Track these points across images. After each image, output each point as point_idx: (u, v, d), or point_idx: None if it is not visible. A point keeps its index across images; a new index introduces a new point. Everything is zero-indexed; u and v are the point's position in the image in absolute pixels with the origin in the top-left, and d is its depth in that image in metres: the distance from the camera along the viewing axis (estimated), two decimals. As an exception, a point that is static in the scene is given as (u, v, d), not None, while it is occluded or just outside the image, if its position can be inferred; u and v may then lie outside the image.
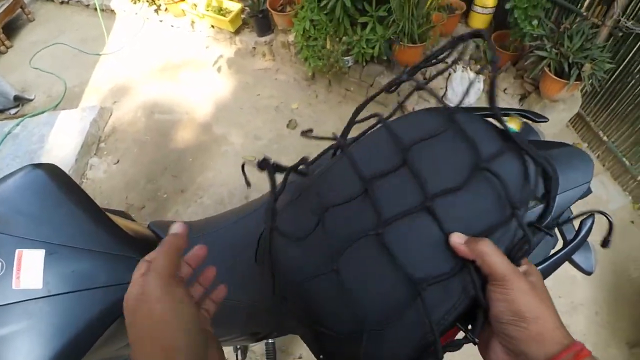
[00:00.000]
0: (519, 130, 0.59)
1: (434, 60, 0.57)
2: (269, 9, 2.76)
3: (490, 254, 0.40)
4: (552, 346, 0.36)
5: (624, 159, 2.29)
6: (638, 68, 2.09)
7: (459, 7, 2.51)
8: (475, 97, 2.52)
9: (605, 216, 0.57)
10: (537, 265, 0.53)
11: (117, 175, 2.52)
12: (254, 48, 3.12)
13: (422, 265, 0.43)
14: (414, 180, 0.47)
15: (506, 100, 2.49)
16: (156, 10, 3.47)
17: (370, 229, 0.45)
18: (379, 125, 0.58)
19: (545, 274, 0.54)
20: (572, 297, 1.96)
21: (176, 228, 0.45)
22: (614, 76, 2.23)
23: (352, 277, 0.46)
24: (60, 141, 2.57)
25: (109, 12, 3.74)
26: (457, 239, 0.42)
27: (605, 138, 2.39)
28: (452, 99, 2.54)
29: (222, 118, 2.79)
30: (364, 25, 2.29)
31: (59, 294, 0.60)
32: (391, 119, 0.60)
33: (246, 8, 3.02)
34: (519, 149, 0.46)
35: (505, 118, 0.51)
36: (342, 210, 0.49)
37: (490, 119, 0.55)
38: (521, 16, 2.12)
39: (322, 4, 2.27)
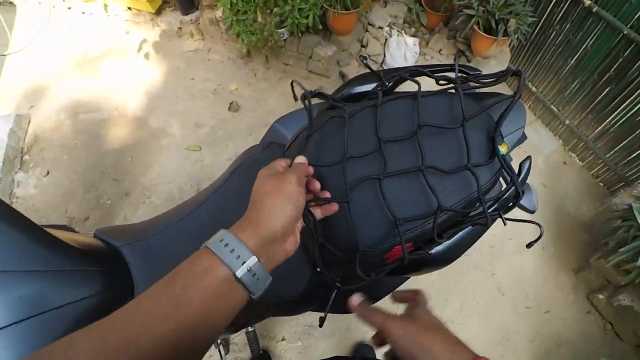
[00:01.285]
0: (505, 153, 0.72)
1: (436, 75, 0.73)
2: (190, -17, 2.54)
3: (367, 315, 0.52)
4: None
5: (552, 107, 2.45)
6: (557, 19, 2.21)
7: (388, -31, 2.47)
8: (413, 60, 2.54)
9: (537, 225, 0.73)
10: (491, 206, 0.67)
11: (51, 188, 2.24)
12: (180, 28, 2.89)
13: (404, 209, 0.63)
14: (417, 151, 0.64)
15: (442, 60, 2.54)
16: (64, -2, 3.07)
17: (375, 174, 0.63)
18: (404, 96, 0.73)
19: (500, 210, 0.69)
20: (520, 239, 2.10)
21: (300, 159, 0.58)
22: (537, 29, 2.34)
23: (356, 210, 0.63)
24: None
25: (7, 4, 3.22)
26: (355, 299, 0.55)
27: (534, 89, 2.54)
28: (391, 63, 2.54)
29: (157, 109, 2.57)
30: (295, -5, 2.18)
31: (8, 325, 0.52)
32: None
33: (164, -16, 2.76)
34: (501, 165, 0.64)
35: (499, 141, 0.67)
36: (359, 158, 0.66)
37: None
38: (449, -24, 2.13)
39: (248, -26, 2.12)
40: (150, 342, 0.34)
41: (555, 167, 2.45)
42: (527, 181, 0.86)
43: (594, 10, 2.00)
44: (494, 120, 0.69)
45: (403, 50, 2.42)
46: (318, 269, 0.67)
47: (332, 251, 0.62)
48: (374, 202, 0.63)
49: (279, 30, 2.31)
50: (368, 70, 0.87)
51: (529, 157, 0.78)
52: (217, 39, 2.81)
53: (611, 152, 2.23)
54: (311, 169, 0.59)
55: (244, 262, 0.41)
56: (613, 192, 2.29)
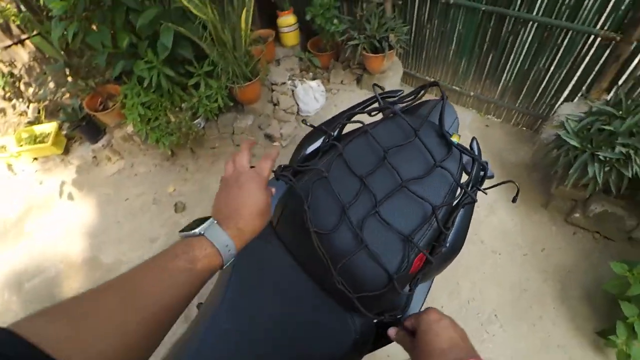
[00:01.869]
0: (458, 141, 0.83)
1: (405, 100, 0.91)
2: (90, 113, 2.52)
3: (402, 341, 0.63)
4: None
5: (454, 87, 2.73)
6: (426, 19, 2.51)
7: (269, 35, 2.66)
8: (323, 98, 2.71)
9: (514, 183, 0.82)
10: (470, 185, 0.79)
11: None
12: (95, 157, 2.82)
13: (406, 224, 0.69)
14: (392, 172, 0.73)
15: (348, 88, 2.74)
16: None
17: (371, 209, 0.69)
18: (359, 133, 0.82)
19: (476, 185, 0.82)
20: (486, 202, 2.24)
21: (272, 153, 0.68)
22: (413, 33, 2.63)
23: (374, 245, 0.68)
24: None
25: None
26: (392, 330, 0.66)
27: (432, 79, 2.81)
28: (306, 109, 2.68)
29: (104, 243, 2.45)
30: (197, 85, 2.26)
31: None
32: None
33: (63, 123, 2.70)
34: (459, 151, 0.78)
35: (451, 134, 0.81)
36: (353, 202, 0.71)
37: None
38: (322, 21, 2.36)
39: (145, 84, 2.16)
40: (173, 297, 0.47)
41: (481, 132, 2.69)
42: (477, 148, 0.98)
43: (451, 2, 2.31)
44: (436, 122, 0.84)
45: (311, 94, 2.57)
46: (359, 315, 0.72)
47: (370, 295, 0.67)
48: (381, 232, 0.68)
49: (195, 122, 2.36)
50: (311, 129, 0.95)
51: (474, 138, 0.91)
52: (136, 153, 2.78)
53: (519, 101, 2.52)
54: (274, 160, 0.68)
55: (233, 255, 0.55)
56: (537, 130, 2.55)
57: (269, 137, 2.66)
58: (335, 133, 0.94)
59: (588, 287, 1.87)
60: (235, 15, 2.09)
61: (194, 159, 2.73)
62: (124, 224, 2.53)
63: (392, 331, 0.66)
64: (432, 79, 2.81)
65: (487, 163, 0.81)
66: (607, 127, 1.69)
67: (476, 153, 0.89)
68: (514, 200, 0.78)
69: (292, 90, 2.62)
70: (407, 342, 0.62)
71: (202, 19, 2.08)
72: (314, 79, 2.68)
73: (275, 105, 2.64)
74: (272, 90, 2.64)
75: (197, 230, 0.53)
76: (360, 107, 0.96)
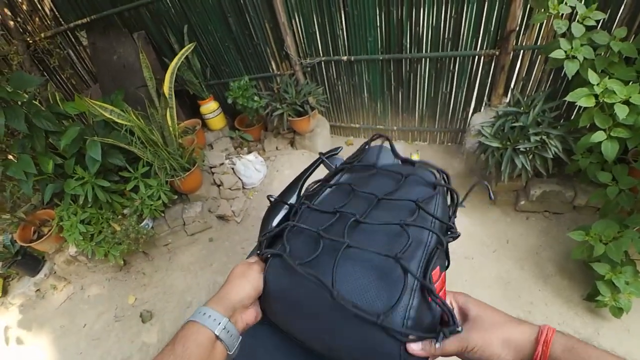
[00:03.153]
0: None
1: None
2: (25, 246, 2.36)
3: (431, 351, 0.52)
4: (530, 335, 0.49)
5: (378, 126, 2.97)
6: (337, 78, 2.76)
7: (196, 124, 2.76)
8: (264, 168, 2.80)
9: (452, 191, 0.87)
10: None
11: None
12: (38, 290, 2.60)
13: (390, 248, 0.56)
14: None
15: (284, 152, 2.86)
16: None
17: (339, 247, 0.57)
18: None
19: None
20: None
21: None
22: (328, 91, 2.87)
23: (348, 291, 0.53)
24: None
25: None
26: (412, 346, 0.52)
27: (357, 125, 3.05)
28: (250, 182, 2.75)
29: None
30: (136, 189, 2.24)
31: None
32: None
33: (-5, 264, 2.49)
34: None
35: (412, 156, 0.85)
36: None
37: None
38: (244, 101, 2.51)
39: (81, 201, 2.11)
40: None
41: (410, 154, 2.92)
42: None
43: (352, 59, 2.59)
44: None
45: (251, 167, 2.66)
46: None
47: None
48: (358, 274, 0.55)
49: (142, 224, 2.31)
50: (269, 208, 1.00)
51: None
52: (84, 273, 2.62)
53: (436, 123, 2.81)
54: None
55: (219, 322, 0.54)
56: (461, 142, 2.83)
57: (222, 218, 2.65)
58: (295, 196, 1.01)
59: (559, 261, 2.02)
60: (159, 115, 2.16)
61: (149, 261, 2.62)
62: (88, 353, 2.31)
63: (412, 346, 0.51)
64: (357, 125, 3.05)
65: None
66: (516, 124, 1.99)
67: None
68: (490, 198, 0.80)
69: (232, 168, 2.69)
70: (451, 343, 0.51)
71: (128, 126, 2.12)
72: (249, 152, 2.79)
73: (219, 186, 2.67)
74: (213, 173, 2.68)
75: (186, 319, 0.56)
76: (310, 171, 1.06)
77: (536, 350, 0.47)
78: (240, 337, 0.58)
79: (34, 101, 2.20)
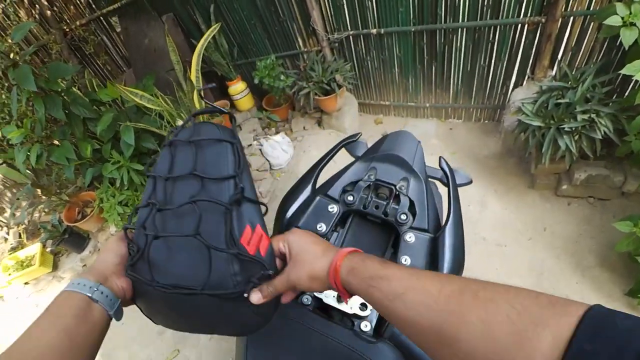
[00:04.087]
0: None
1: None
2: (70, 225, 2.58)
3: (266, 292, 0.57)
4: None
5: (409, 103, 2.88)
6: (365, 53, 2.69)
7: (224, 105, 2.82)
8: (292, 149, 2.82)
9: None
10: (450, 210, 0.90)
11: None
12: (84, 265, 2.84)
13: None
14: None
15: (312, 132, 2.86)
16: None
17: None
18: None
19: (457, 213, 0.88)
20: (470, 200, 2.32)
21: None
22: (357, 68, 2.81)
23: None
24: None
25: None
26: (253, 296, 0.57)
27: (387, 102, 2.97)
28: (277, 163, 2.79)
29: (113, 349, 2.41)
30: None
31: None
32: None
33: (46, 241, 2.75)
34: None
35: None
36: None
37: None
38: (270, 80, 2.51)
39: (117, 184, 2.25)
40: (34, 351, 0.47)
41: (447, 136, 2.81)
42: (447, 166, 1.05)
43: (382, 32, 2.50)
44: (400, 154, 1.01)
45: (278, 147, 2.69)
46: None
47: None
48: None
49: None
50: None
51: (440, 157, 1.03)
52: (124, 249, 2.82)
53: (472, 99, 2.67)
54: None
55: (90, 287, 0.55)
56: (499, 120, 2.68)
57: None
58: (310, 187, 1.04)
59: (601, 252, 1.89)
60: (187, 99, 2.22)
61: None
62: (128, 323, 2.51)
63: (255, 296, 0.56)
64: (387, 102, 2.97)
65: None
66: (562, 101, 1.80)
67: (446, 169, 0.99)
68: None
69: (260, 149, 2.74)
70: (279, 281, 0.58)
71: (157, 110, 2.21)
72: (277, 133, 2.82)
73: (247, 167, 2.74)
74: (241, 154, 2.74)
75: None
76: (327, 160, 1.09)
77: (329, 277, 0.54)
78: (120, 300, 0.58)
79: (73, 88, 2.34)
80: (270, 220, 1.01)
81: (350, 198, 0.97)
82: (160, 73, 2.77)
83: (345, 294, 0.54)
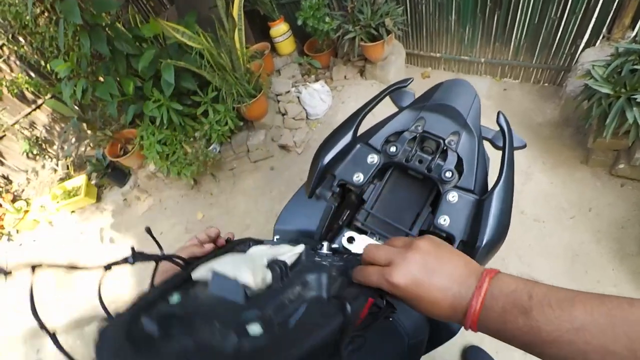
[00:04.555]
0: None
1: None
2: (113, 159, 2.70)
3: (363, 273, 0.48)
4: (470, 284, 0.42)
5: (463, 57, 2.69)
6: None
7: (265, 48, 2.75)
8: (330, 98, 2.75)
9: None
10: (502, 173, 0.83)
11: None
12: (125, 199, 3.01)
13: None
14: None
15: (353, 82, 2.76)
16: (9, 239, 3.16)
17: None
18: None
19: (509, 177, 0.83)
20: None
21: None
22: (409, 13, 2.62)
23: None
24: None
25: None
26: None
27: (438, 54, 2.78)
28: (314, 112, 2.74)
29: (149, 276, 2.61)
30: (205, 113, 2.37)
31: None
32: None
33: (92, 173, 2.91)
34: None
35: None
36: None
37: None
38: (315, 22, 2.40)
39: (157, 122, 2.30)
40: None
41: (501, 97, 2.63)
42: (506, 123, 0.96)
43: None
44: (453, 105, 0.94)
45: (317, 96, 2.63)
46: None
47: None
48: None
49: (210, 148, 2.48)
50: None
51: (500, 112, 0.93)
52: (161, 188, 2.95)
53: (535, 57, 2.44)
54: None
55: None
56: (560, 84, 2.46)
57: (284, 147, 2.73)
58: (351, 133, 0.98)
59: None
60: (228, 38, 2.18)
61: (216, 183, 2.85)
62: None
63: (357, 271, 0.50)
64: (438, 54, 2.79)
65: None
66: (639, 67, 1.58)
67: (504, 127, 0.90)
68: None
69: (298, 97, 2.69)
70: (367, 271, 0.48)
71: (198, 49, 2.19)
72: (316, 80, 2.74)
73: (283, 115, 2.71)
74: (278, 102, 2.71)
75: None
76: (371, 106, 1.02)
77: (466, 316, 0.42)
78: None
79: (116, 24, 2.35)
80: (302, 171, 0.97)
81: (392, 149, 0.90)
82: (203, 10, 2.71)
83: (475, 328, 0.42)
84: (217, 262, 0.47)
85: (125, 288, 2.68)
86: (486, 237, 0.79)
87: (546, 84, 2.56)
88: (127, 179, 2.94)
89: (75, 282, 2.87)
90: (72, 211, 3.08)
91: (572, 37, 2.22)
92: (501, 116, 0.92)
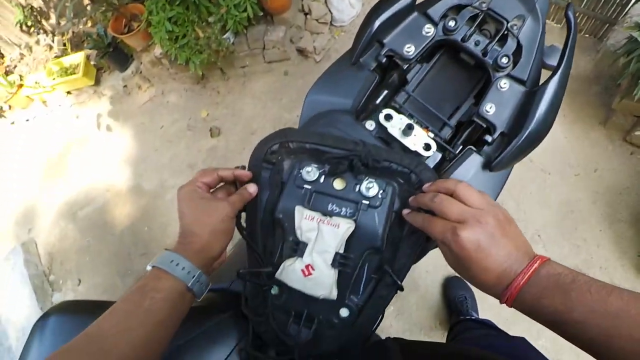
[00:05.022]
0: None
1: None
2: (117, 36, 2.51)
3: (420, 221, 0.57)
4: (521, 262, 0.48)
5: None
6: None
7: None
8: (360, 5, 2.55)
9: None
10: (559, 66, 0.77)
11: (90, 292, 2.26)
12: (125, 86, 2.87)
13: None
14: None
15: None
16: (0, 115, 3.03)
17: None
18: None
19: (565, 73, 0.78)
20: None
21: (252, 188, 0.66)
22: None
23: None
24: (10, 302, 2.24)
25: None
26: (405, 211, 0.62)
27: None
28: (340, 18, 2.55)
29: (145, 171, 2.56)
30: (223, -6, 2.17)
31: None
32: None
33: (90, 51, 2.73)
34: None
35: None
36: None
37: None
38: None
39: (169, -3, 2.11)
40: (128, 345, 0.47)
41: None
42: (572, 15, 0.88)
43: None
44: None
45: (346, 0, 2.42)
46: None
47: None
48: None
49: (224, 36, 2.30)
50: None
51: (569, 2, 0.87)
52: (165, 78, 2.79)
53: (584, 2, 2.25)
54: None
55: (193, 275, 0.55)
56: (602, 38, 2.31)
57: (302, 52, 2.57)
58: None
59: (638, 211, 1.82)
60: None
61: (225, 81, 2.71)
62: (162, 151, 2.61)
63: (406, 211, 0.60)
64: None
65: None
66: None
67: (572, 18, 0.82)
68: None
69: (325, -2, 2.48)
70: (434, 223, 0.53)
71: None
72: (348, -18, 2.51)
73: (306, 14, 2.52)
74: (302, -1, 2.50)
75: (151, 264, 0.55)
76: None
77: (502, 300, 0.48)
78: (210, 284, 0.59)
79: None
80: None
81: (451, 23, 0.84)
82: None
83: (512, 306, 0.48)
84: (292, 271, 0.62)
85: (118, 172, 2.63)
86: (530, 128, 0.77)
87: (587, 35, 2.39)
88: (129, 63, 2.77)
89: (64, 171, 2.81)
90: (68, 92, 2.93)
91: (628, -16, 2.03)
92: (570, 7, 0.83)
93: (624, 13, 2.10)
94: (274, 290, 0.67)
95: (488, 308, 1.69)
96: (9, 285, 2.27)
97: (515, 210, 1.93)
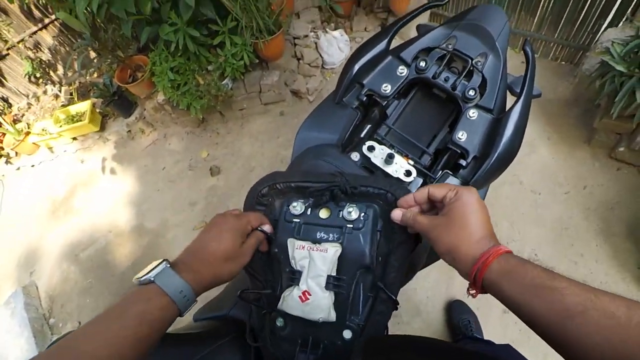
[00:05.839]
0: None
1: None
2: (122, 85, 2.70)
3: (410, 221, 0.63)
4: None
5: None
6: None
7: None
8: (348, 47, 2.76)
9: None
10: (521, 95, 0.91)
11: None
12: (129, 131, 3.03)
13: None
14: None
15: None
16: (7, 161, 3.17)
17: None
18: None
19: (527, 101, 0.91)
20: (524, 141, 2.26)
21: (267, 228, 0.73)
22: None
23: None
24: (9, 346, 2.25)
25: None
26: (396, 212, 0.66)
27: (461, 17, 2.79)
28: (331, 61, 2.75)
29: (148, 211, 2.67)
30: (222, 45, 2.37)
31: None
32: None
33: (96, 100, 2.91)
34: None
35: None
36: None
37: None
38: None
39: (172, 48, 2.30)
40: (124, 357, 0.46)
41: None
42: (530, 49, 1.02)
43: None
44: (484, 26, 0.99)
45: (335, 44, 2.64)
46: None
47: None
48: None
49: (223, 82, 2.49)
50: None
51: (525, 39, 1.01)
52: (167, 122, 2.96)
53: (557, 32, 2.46)
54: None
55: (188, 299, 0.54)
56: (577, 64, 2.50)
57: (296, 94, 2.75)
58: (385, 42, 1.04)
59: (632, 224, 1.90)
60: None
61: (224, 123, 2.88)
62: (164, 191, 2.73)
63: (396, 213, 0.64)
64: (461, 16, 2.79)
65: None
66: None
67: (529, 52, 0.95)
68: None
69: (315, 43, 2.69)
70: (423, 221, 0.59)
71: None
72: (336, 28, 2.74)
73: (299, 59, 2.72)
74: (295, 45, 2.71)
75: (147, 277, 0.52)
76: (410, 17, 1.09)
77: (471, 269, 0.51)
78: (197, 301, 0.58)
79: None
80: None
81: (422, 64, 0.96)
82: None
83: (478, 291, 0.52)
84: (291, 300, 0.68)
85: (121, 213, 2.73)
86: (498, 151, 0.88)
87: (563, 62, 2.60)
88: (133, 110, 2.95)
89: (68, 213, 2.91)
90: (74, 138, 3.09)
91: (596, 15, 2.24)
92: (527, 42, 0.97)
93: (595, 40, 2.30)
94: (279, 322, 0.72)
95: (492, 330, 1.71)
96: (8, 329, 2.30)
97: (509, 231, 2.00)
